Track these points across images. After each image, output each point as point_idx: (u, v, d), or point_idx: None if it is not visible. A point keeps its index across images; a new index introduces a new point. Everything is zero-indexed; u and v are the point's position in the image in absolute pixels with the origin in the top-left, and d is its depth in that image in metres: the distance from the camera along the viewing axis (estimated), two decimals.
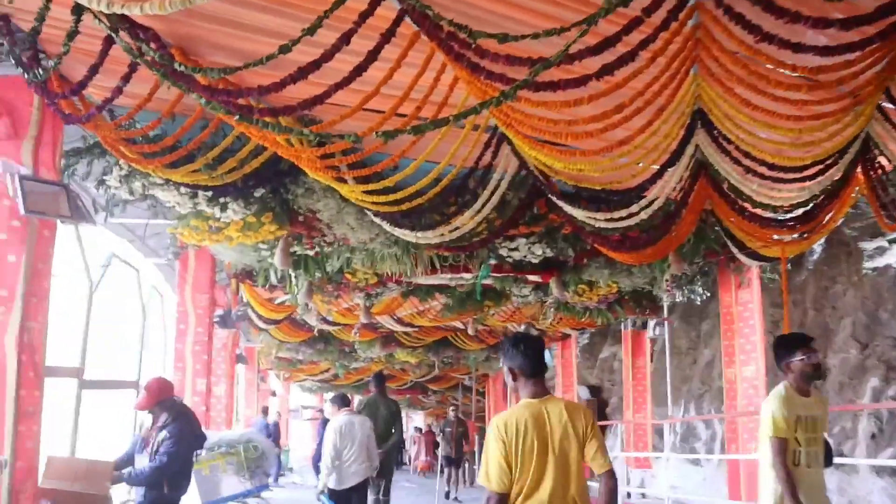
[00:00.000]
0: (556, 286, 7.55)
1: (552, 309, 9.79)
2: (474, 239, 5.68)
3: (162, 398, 4.94)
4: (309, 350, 14.39)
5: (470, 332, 10.29)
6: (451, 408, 17.62)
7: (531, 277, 8.15)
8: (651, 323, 9.50)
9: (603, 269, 7.97)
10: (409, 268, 6.35)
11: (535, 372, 3.21)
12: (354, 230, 5.64)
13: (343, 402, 7.50)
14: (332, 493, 6.87)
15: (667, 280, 6.93)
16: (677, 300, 8.49)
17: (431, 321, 10.82)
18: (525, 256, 7.08)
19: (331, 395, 8.81)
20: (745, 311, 7.26)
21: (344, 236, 5.86)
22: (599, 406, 16.65)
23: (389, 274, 6.62)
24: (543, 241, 6.84)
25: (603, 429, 16.41)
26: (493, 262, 6.58)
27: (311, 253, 6.75)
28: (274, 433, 16.06)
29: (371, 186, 4.45)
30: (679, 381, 13.47)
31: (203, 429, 5.38)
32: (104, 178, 4.94)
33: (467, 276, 7.95)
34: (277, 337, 12.83)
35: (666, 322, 8.67)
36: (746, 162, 4.21)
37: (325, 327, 11.16)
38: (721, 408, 11.43)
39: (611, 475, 3.17)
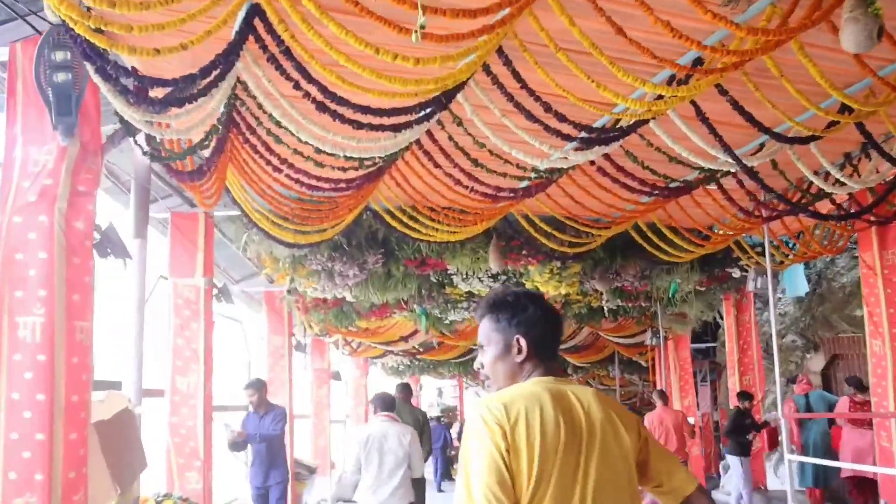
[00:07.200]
0: None
1: None
2: None
3: None
4: (354, 272, 7.12)
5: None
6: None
7: None
8: None
9: None
10: None
11: (553, 352, 1.97)
12: None
13: (382, 404, 6.02)
14: None
15: None
16: None
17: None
18: None
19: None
20: None
21: None
22: None
23: None
24: None
25: None
26: None
27: None
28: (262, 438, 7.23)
29: None
30: None
31: None
32: None
33: None
34: (267, 228, 5.66)
35: None
36: None
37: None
38: None
39: (705, 492, 2.03)
